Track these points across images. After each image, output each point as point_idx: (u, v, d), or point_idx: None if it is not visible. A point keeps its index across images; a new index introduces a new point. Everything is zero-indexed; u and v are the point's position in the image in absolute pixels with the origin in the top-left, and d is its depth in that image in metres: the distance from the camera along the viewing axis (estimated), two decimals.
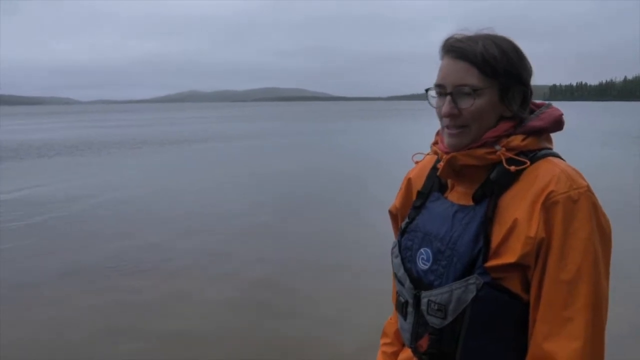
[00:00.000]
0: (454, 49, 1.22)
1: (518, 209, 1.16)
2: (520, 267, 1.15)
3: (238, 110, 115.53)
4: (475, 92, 1.20)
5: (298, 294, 5.53)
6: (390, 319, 1.52)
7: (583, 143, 21.66)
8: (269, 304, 5.23)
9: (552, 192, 1.13)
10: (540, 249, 1.13)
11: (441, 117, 1.26)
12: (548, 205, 1.12)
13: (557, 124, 1.27)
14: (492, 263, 1.16)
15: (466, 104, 1.21)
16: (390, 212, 1.52)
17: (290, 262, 6.62)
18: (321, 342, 4.42)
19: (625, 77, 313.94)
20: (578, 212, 1.11)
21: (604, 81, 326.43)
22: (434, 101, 1.28)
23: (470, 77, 1.20)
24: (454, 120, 1.23)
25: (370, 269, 5.89)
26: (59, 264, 6.55)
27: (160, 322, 4.81)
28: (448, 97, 1.22)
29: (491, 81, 1.21)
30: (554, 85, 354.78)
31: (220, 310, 5.13)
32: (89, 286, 5.75)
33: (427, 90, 1.30)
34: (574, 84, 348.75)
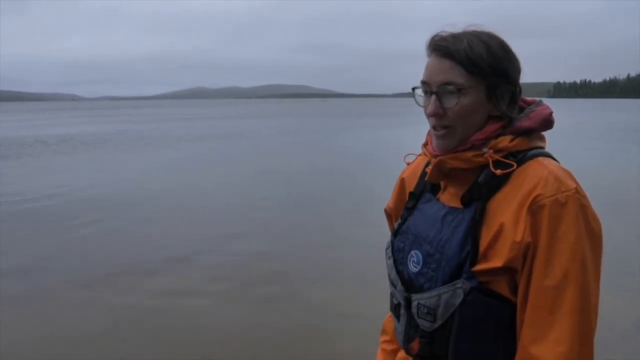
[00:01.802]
0: (439, 47, 1.20)
1: (505, 213, 1.15)
2: (508, 271, 1.14)
3: (242, 108, 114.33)
4: (459, 90, 1.18)
5: (311, 287, 5.57)
6: (389, 316, 1.50)
7: (589, 138, 21.96)
8: (284, 298, 5.29)
9: (538, 195, 1.11)
10: (527, 253, 1.12)
11: (427, 116, 1.25)
12: (534, 209, 1.11)
13: (547, 122, 1.24)
14: (479, 267, 1.15)
15: (451, 103, 1.19)
16: (385, 211, 1.53)
17: (304, 256, 6.69)
18: (340, 335, 4.48)
19: (629, 74, 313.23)
20: (565, 215, 1.10)
21: (607, 79, 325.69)
22: (420, 100, 1.26)
23: (455, 75, 1.18)
24: (440, 120, 1.21)
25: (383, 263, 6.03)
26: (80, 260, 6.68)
27: (172, 318, 4.84)
28: (433, 96, 1.21)
29: (477, 80, 1.18)
30: (558, 83, 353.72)
31: (233, 305, 5.16)
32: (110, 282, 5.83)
33: (413, 88, 1.28)
34: (578, 82, 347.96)
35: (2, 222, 8.68)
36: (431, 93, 1.21)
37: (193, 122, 43.46)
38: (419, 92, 1.26)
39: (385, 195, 1.47)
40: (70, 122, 46.18)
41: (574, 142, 20.08)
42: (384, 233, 1.46)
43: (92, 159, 17.61)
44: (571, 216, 1.10)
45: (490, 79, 1.19)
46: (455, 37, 1.21)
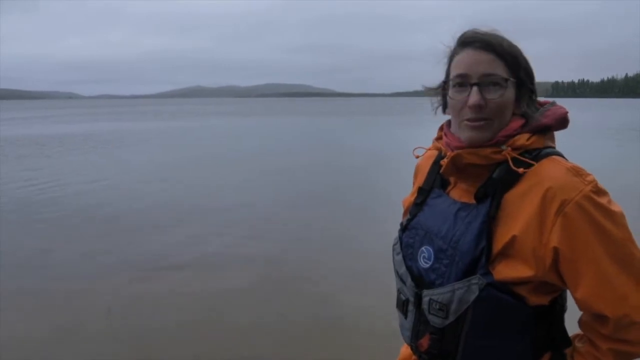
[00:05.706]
0: (479, 39, 1.19)
1: (525, 212, 1.13)
2: (531, 274, 1.13)
3: (243, 106, 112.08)
4: (502, 83, 1.17)
5: (325, 283, 5.54)
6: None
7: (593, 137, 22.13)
8: (292, 297, 5.21)
9: (565, 200, 1.10)
10: (558, 256, 1.11)
11: (460, 109, 1.21)
12: (564, 212, 1.10)
13: (563, 121, 1.24)
14: (497, 264, 1.14)
15: (494, 94, 1.17)
16: (403, 203, 1.50)
17: (311, 255, 6.60)
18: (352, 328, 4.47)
19: (627, 74, 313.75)
20: (595, 210, 1.10)
21: (605, 78, 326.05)
22: (452, 93, 1.22)
23: (498, 67, 1.17)
24: (479, 112, 1.17)
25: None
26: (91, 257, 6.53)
27: (177, 318, 4.75)
28: (475, 88, 1.17)
29: (514, 75, 1.19)
30: (557, 82, 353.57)
31: (241, 304, 5.08)
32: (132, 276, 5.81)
33: (444, 82, 1.25)
34: (576, 81, 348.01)
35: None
36: (471, 85, 1.18)
37: (200, 121, 43.51)
38: (453, 83, 1.22)
39: (396, 193, 1.53)
40: (81, 120, 45.46)
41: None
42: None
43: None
44: (599, 209, 1.10)
45: (522, 77, 1.21)
46: (490, 33, 1.21)
